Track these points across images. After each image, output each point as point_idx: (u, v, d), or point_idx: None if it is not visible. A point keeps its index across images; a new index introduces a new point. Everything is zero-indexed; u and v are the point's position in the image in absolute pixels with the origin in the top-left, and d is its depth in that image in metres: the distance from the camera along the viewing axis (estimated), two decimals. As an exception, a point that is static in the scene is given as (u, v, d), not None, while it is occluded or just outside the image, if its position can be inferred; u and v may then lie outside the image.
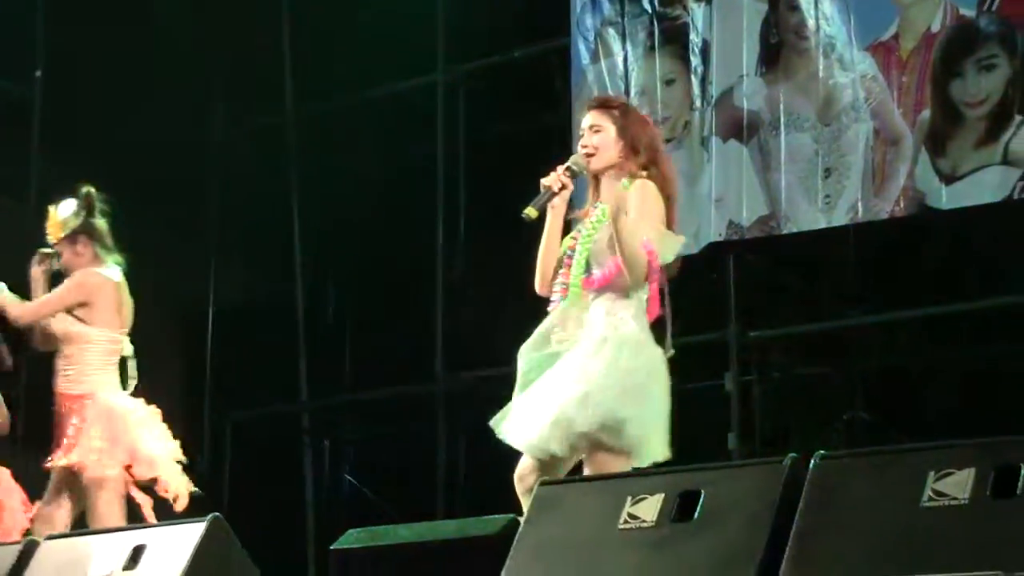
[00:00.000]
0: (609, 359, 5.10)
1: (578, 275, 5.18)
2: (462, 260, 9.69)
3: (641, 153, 5.22)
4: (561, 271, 5.21)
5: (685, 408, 9.24)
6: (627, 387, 5.09)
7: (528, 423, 5.09)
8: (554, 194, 5.15)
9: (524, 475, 5.15)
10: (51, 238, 6.93)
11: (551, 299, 5.25)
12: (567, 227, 5.30)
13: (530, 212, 5.10)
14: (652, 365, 5.19)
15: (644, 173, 5.21)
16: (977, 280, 8.27)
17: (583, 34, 9.18)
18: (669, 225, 5.24)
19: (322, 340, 10.61)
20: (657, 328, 5.27)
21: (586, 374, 5.09)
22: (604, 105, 5.33)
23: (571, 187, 5.19)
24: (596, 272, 5.19)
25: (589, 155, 5.23)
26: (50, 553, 5.08)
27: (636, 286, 5.14)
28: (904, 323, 8.55)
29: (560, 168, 5.18)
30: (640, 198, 5.14)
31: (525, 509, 4.45)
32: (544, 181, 5.16)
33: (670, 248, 5.16)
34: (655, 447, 5.14)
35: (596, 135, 5.24)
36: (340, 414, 10.63)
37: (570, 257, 5.22)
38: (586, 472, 5.10)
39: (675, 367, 8.82)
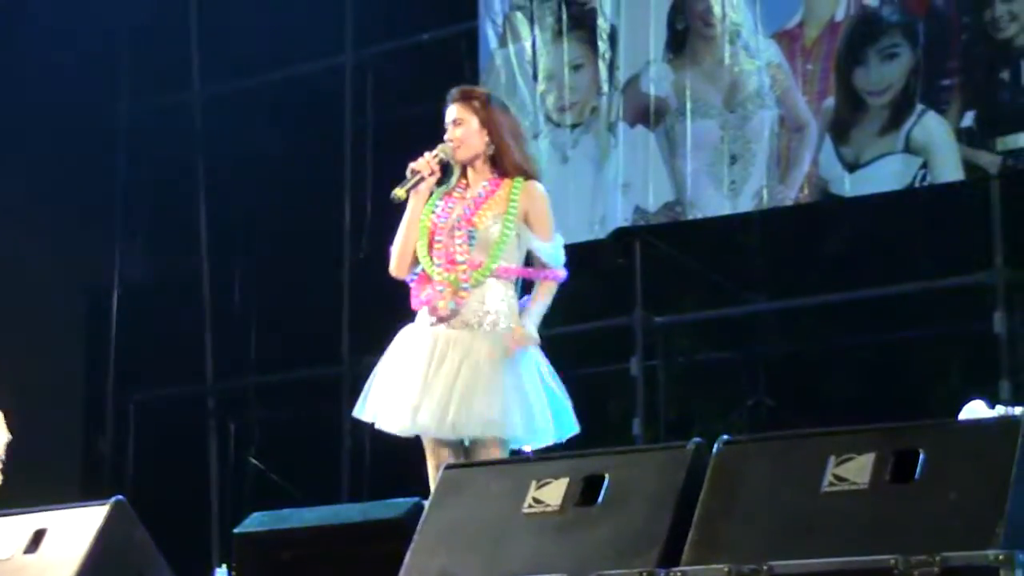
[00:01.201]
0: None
1: (494, 260, 5.32)
2: (369, 243, 9.66)
3: (511, 145, 5.43)
4: (439, 244, 5.36)
5: (591, 392, 9.32)
6: None
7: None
8: (422, 179, 5.35)
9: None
10: None
11: (419, 277, 5.39)
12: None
13: (399, 193, 5.33)
14: None
15: (526, 169, 5.44)
16: (879, 267, 8.36)
17: (491, 18, 9.18)
18: None
19: (228, 321, 10.54)
20: None
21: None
22: (466, 98, 5.49)
23: (438, 174, 5.40)
24: (503, 263, 5.34)
25: (456, 147, 5.42)
26: (-51, 537, 5.02)
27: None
28: (807, 309, 8.64)
29: (428, 154, 5.37)
30: (542, 206, 5.41)
31: None
32: (413, 165, 5.36)
33: (559, 257, 5.43)
34: None
35: (459, 128, 5.42)
36: (245, 396, 10.57)
37: (459, 230, 5.34)
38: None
39: (581, 352, 8.89)
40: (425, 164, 5.36)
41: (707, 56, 8.40)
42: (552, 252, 5.40)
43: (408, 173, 5.36)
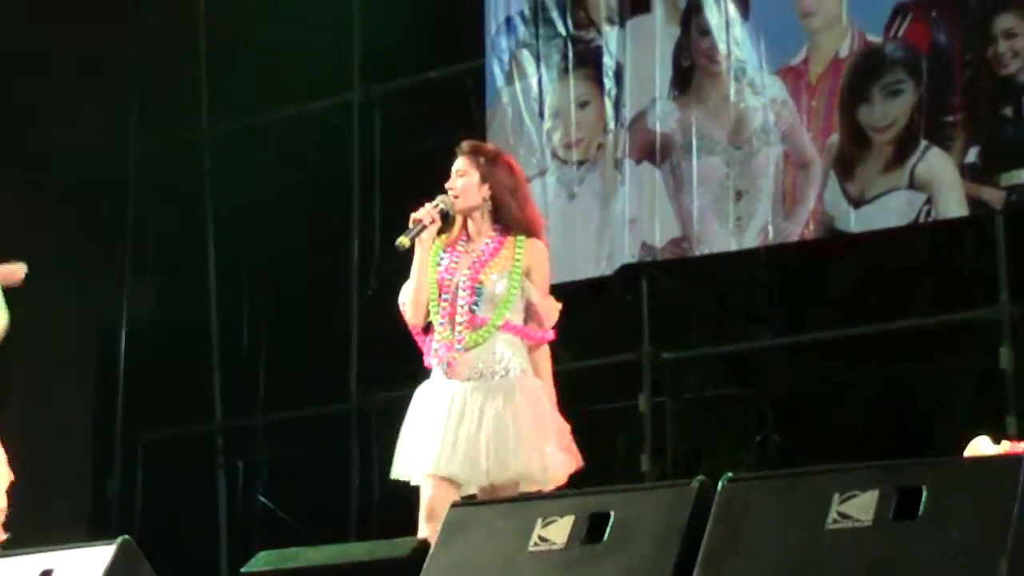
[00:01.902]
0: None
1: (500, 317, 5.49)
2: (377, 280, 9.69)
3: (510, 202, 5.58)
4: (445, 302, 5.53)
5: (599, 428, 9.32)
6: None
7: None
8: (424, 227, 5.53)
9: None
10: None
11: (435, 328, 5.54)
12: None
13: (403, 242, 5.53)
14: None
15: (528, 226, 5.60)
16: (885, 302, 8.37)
17: (498, 56, 9.22)
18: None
19: (236, 359, 10.56)
20: None
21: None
22: (472, 152, 5.66)
23: (439, 223, 5.57)
24: (508, 317, 5.51)
25: (455, 197, 5.58)
26: (-44, 577, 5.03)
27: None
28: (814, 345, 8.64)
29: (429, 205, 5.54)
30: (544, 265, 5.60)
31: None
32: (415, 215, 5.53)
33: (553, 317, 5.59)
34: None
35: (461, 179, 5.58)
36: (254, 434, 10.58)
37: (464, 289, 5.50)
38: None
39: (589, 387, 8.90)
40: (426, 213, 5.52)
41: (712, 93, 8.43)
42: (549, 311, 5.56)
43: (410, 223, 5.52)
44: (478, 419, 5.41)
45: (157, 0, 10.49)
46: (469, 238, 5.60)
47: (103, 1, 10.11)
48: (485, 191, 5.57)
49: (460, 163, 5.62)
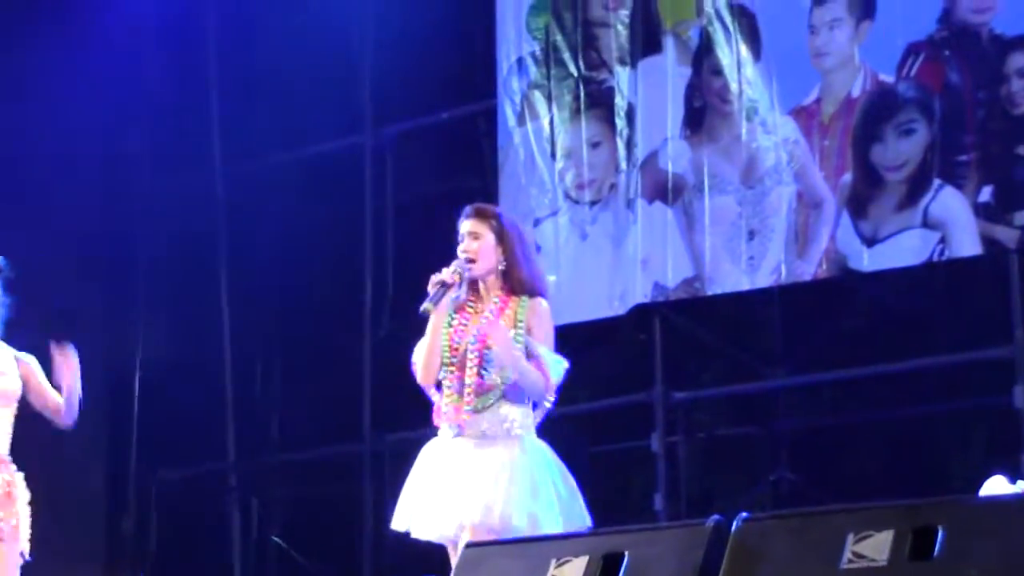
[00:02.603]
0: None
1: (505, 383, 5.57)
2: (389, 321, 9.70)
3: (521, 263, 5.65)
4: (453, 365, 5.61)
5: (612, 468, 9.30)
6: None
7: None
8: (448, 289, 5.57)
9: None
10: None
11: (444, 390, 5.63)
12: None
13: (428, 307, 5.57)
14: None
15: (534, 286, 5.66)
16: (898, 342, 8.36)
17: (510, 96, 9.25)
18: None
19: (250, 399, 10.57)
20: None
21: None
22: (481, 214, 5.71)
23: (459, 286, 5.61)
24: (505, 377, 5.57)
25: (471, 260, 5.63)
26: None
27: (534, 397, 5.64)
28: (827, 384, 8.64)
29: (447, 269, 5.58)
30: (547, 323, 5.64)
31: None
32: (438, 277, 5.56)
33: (558, 372, 5.61)
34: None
35: (476, 242, 5.64)
36: (268, 474, 10.58)
37: (472, 352, 5.58)
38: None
39: (602, 428, 8.90)
40: (449, 275, 5.55)
41: (724, 133, 8.45)
42: (553, 361, 5.57)
43: (430, 287, 5.55)
44: (483, 470, 5.51)
45: (169, 38, 10.52)
46: (478, 299, 5.67)
47: (115, 40, 10.14)
48: (499, 253, 5.64)
49: (471, 225, 5.67)
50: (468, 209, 5.76)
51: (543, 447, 5.63)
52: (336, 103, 10.00)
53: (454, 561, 5.33)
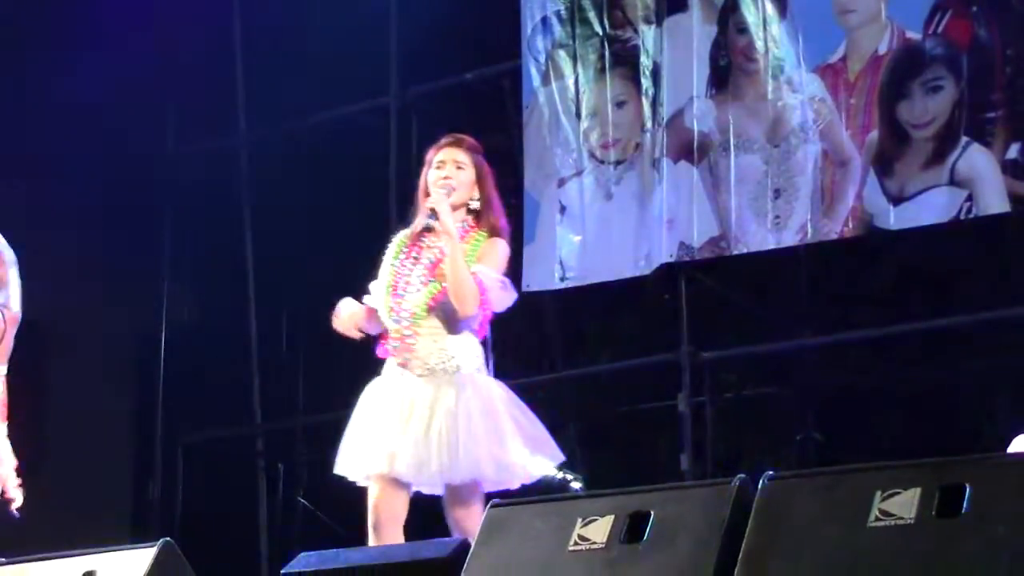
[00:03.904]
0: None
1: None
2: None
3: (495, 204, 5.60)
4: (400, 297, 5.65)
5: (639, 429, 9.29)
6: None
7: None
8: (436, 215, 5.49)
9: None
10: None
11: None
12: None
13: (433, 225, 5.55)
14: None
15: (499, 229, 5.60)
16: (926, 300, 8.33)
17: (534, 56, 9.22)
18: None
19: (276, 362, 10.58)
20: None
21: None
22: (469, 147, 5.63)
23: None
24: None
25: (452, 189, 5.53)
26: (-1, 579, 5.06)
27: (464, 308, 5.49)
28: (854, 343, 8.60)
29: (434, 196, 5.54)
30: (497, 255, 5.55)
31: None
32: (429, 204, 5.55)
33: (499, 294, 5.52)
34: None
35: (460, 171, 5.56)
36: (294, 437, 10.60)
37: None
38: None
39: (628, 388, 8.87)
40: (436, 203, 5.50)
41: (750, 91, 8.40)
42: (490, 275, 5.45)
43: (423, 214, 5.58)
44: (427, 419, 5.38)
45: (193, 5, 10.50)
46: (437, 234, 5.54)
47: (142, 7, 10.13)
48: (475, 192, 5.55)
49: (461, 156, 5.58)
50: (451, 137, 5.65)
51: (492, 384, 5.52)
52: (360, 65, 9.98)
53: (371, 501, 5.32)
